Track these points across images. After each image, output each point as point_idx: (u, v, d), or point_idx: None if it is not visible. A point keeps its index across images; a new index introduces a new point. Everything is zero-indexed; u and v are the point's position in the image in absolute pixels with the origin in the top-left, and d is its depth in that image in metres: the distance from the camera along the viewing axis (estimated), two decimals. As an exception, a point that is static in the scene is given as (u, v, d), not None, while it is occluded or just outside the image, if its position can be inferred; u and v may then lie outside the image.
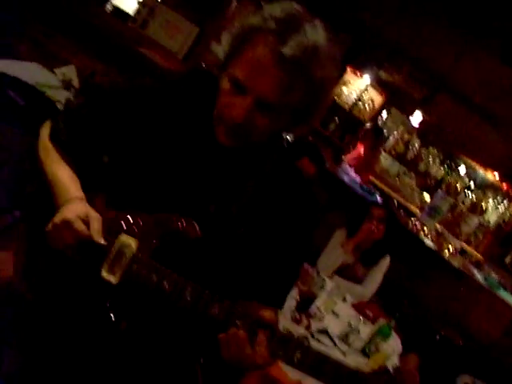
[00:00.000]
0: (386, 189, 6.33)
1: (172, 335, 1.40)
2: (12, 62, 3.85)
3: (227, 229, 1.32)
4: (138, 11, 4.34)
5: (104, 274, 1.26)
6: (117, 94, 1.41)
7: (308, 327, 2.58)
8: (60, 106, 3.44)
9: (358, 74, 6.24)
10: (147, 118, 1.35)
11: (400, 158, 6.56)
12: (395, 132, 6.49)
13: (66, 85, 3.96)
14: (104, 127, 1.38)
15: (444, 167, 6.63)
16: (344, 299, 3.28)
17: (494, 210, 6.41)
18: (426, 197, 6.33)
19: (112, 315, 1.29)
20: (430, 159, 6.70)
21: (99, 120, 1.39)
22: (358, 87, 6.31)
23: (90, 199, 1.36)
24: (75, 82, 4.00)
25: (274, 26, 1.17)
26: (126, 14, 4.43)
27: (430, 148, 6.69)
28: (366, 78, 6.21)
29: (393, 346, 3.00)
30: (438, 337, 4.20)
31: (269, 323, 1.18)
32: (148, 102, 1.36)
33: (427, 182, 6.75)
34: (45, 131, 1.46)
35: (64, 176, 1.39)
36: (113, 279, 1.25)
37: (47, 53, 4.34)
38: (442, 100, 5.82)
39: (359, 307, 3.27)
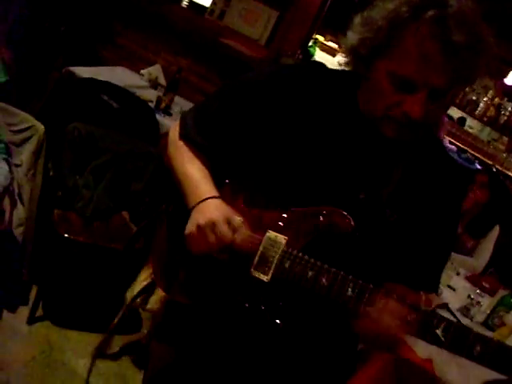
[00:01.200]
0: (480, 157, 6.06)
1: (328, 330, 1.36)
2: (100, 68, 3.98)
3: (378, 216, 1.26)
4: (214, 2, 4.32)
5: (255, 272, 1.24)
6: (250, 85, 1.35)
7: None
8: (151, 105, 3.51)
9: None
10: (286, 108, 1.29)
11: (491, 123, 6.25)
12: (485, 98, 6.19)
13: (153, 84, 4.05)
14: (241, 122, 1.34)
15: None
16: (458, 273, 3.17)
17: None
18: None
19: (268, 315, 1.25)
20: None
21: (235, 115, 1.34)
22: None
23: (230, 199, 1.33)
24: (162, 80, 4.08)
25: (429, 12, 1.08)
26: (203, 7, 4.43)
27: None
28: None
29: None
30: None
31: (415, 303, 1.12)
32: (286, 91, 1.30)
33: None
34: (174, 130, 1.44)
35: (197, 174, 1.36)
36: (264, 277, 1.23)
37: (131, 55, 4.43)
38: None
39: (475, 280, 3.16)
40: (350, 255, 1.26)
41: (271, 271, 1.22)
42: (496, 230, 3.57)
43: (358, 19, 1.19)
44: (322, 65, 1.38)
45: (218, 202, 1.30)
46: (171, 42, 4.33)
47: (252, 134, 1.32)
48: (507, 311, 2.70)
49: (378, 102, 1.19)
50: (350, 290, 1.14)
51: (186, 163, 1.38)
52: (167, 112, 3.58)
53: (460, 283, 3.02)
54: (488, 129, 6.46)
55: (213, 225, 1.23)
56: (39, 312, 2.75)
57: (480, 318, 2.70)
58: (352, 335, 1.40)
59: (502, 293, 2.84)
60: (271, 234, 1.24)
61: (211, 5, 4.38)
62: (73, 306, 2.91)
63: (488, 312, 2.73)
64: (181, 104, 3.77)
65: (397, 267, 1.30)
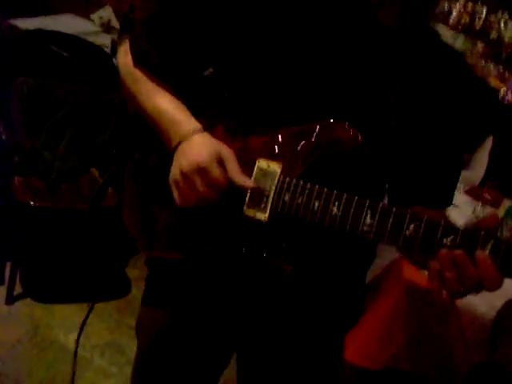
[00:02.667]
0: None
1: (338, 266, 1.16)
2: (45, 18, 3.67)
3: (385, 124, 1.04)
4: None
5: (249, 212, 1.01)
6: None
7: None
8: (107, 50, 3.24)
9: None
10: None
11: (466, 30, 6.04)
12: (457, 5, 5.95)
13: (106, 28, 3.77)
14: (202, 19, 1.08)
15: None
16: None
17: None
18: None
19: (271, 260, 1.04)
20: (502, 24, 6.14)
21: (195, 20, 1.09)
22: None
23: (209, 125, 1.09)
24: (115, 23, 3.78)
25: None
26: None
27: (500, 13, 6.12)
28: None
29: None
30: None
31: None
32: None
33: (502, 51, 6.21)
34: (124, 57, 1.16)
35: (169, 107, 1.10)
36: (262, 216, 1.00)
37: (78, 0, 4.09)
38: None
39: (475, 193, 3.00)
40: (358, 176, 1.06)
41: (268, 208, 0.99)
42: (489, 141, 3.41)
43: None
44: None
45: (202, 137, 1.05)
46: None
47: (220, 33, 1.07)
48: (517, 221, 2.56)
49: None
50: (368, 216, 0.92)
51: (152, 96, 1.12)
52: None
53: (461, 199, 2.86)
54: (462, 36, 6.21)
55: (202, 170, 1.00)
56: (18, 290, 2.56)
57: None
58: (361, 267, 1.25)
59: (506, 203, 2.72)
60: (262, 162, 1.01)
61: None
62: (52, 278, 2.69)
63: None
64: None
65: (410, 183, 1.12)
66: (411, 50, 1.05)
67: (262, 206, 1.00)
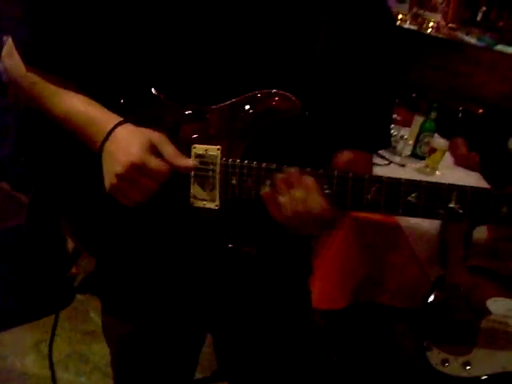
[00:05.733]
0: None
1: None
2: None
3: (318, 81, 1.00)
4: None
5: (197, 203, 0.96)
6: None
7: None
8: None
9: None
10: None
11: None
12: None
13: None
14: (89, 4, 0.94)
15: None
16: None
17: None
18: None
19: (234, 246, 0.99)
20: None
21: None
22: None
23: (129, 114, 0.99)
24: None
25: None
26: None
27: None
28: None
29: (441, 139, 2.82)
30: (460, 114, 4.05)
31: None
32: None
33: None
34: (10, 59, 1.01)
35: (81, 106, 0.98)
36: (212, 205, 0.95)
37: None
38: None
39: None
40: (302, 141, 1.02)
41: (217, 195, 0.94)
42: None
43: None
44: None
45: (125, 128, 0.96)
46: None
47: (118, 18, 0.96)
48: (431, 135, 2.66)
49: None
50: (326, 187, 0.89)
51: (58, 99, 0.99)
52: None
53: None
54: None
55: (138, 167, 0.92)
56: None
57: (408, 150, 2.65)
58: None
59: (418, 120, 2.80)
60: (198, 148, 0.95)
61: None
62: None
63: (412, 142, 2.68)
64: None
65: (347, 130, 1.07)
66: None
67: (211, 193, 0.95)
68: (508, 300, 1.68)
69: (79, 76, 1.00)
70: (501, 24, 6.54)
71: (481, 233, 1.96)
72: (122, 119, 0.97)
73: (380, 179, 0.86)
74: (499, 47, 5.16)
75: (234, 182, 0.93)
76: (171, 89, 0.98)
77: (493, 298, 1.69)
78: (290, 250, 1.16)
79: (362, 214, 1.94)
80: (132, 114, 0.99)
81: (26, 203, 2.30)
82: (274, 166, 0.91)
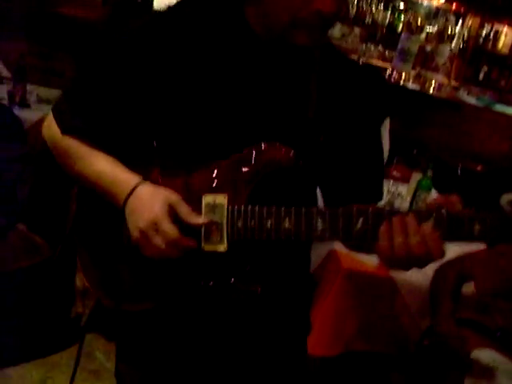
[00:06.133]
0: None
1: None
2: None
3: (311, 139, 1.14)
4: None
5: (208, 247, 1.08)
6: (126, 46, 1.14)
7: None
8: (4, 102, 3.17)
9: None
10: (172, 56, 1.11)
11: (341, 19, 6.35)
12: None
13: (-3, 78, 3.64)
14: (127, 87, 1.13)
15: (389, 11, 6.47)
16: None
17: (454, 33, 6.32)
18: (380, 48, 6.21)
19: (240, 286, 1.12)
20: (373, 8, 6.50)
21: (118, 83, 1.14)
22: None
23: (149, 176, 1.14)
24: (5, 73, 3.68)
25: None
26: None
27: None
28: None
29: (436, 195, 2.95)
30: (459, 171, 4.18)
31: None
32: (166, 38, 1.12)
33: (378, 33, 6.59)
34: (49, 130, 1.21)
35: (107, 168, 1.15)
36: (221, 247, 1.07)
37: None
38: None
39: (384, 172, 3.18)
40: (297, 186, 1.16)
41: (225, 238, 1.07)
42: (386, 121, 3.61)
43: None
44: None
45: (147, 188, 1.11)
46: (1, 28, 3.88)
47: (145, 96, 1.14)
48: (427, 192, 2.78)
49: (281, 10, 1.05)
50: (319, 222, 1.01)
51: (87, 161, 1.17)
52: (24, 104, 3.24)
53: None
54: (338, 25, 6.50)
55: (155, 225, 1.06)
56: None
57: (405, 206, 2.75)
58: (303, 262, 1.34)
59: (415, 177, 2.90)
60: (208, 197, 1.08)
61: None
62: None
63: (409, 199, 2.79)
64: (36, 91, 3.42)
65: (342, 186, 1.22)
66: (316, 66, 1.16)
67: (219, 238, 1.07)
68: (493, 351, 1.77)
69: (103, 141, 1.17)
70: (502, 83, 6.77)
71: (469, 288, 2.06)
72: (141, 178, 1.12)
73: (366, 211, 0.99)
74: (498, 107, 5.34)
75: (239, 225, 1.06)
76: (182, 150, 1.14)
77: (478, 349, 1.77)
78: (292, 292, 1.27)
79: (356, 267, 2.06)
80: (145, 170, 1.15)
81: (41, 244, 2.43)
82: (273, 208, 1.04)
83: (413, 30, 5.85)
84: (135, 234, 1.08)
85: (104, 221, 1.21)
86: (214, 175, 1.10)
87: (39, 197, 2.54)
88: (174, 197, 1.08)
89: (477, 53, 6.59)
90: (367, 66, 1.31)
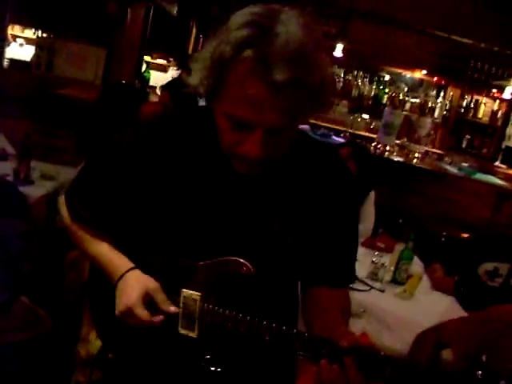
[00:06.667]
0: (331, 126, 6.44)
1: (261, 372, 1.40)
2: None
3: (277, 248, 1.29)
4: (38, 55, 4.18)
5: (182, 330, 1.27)
6: (114, 155, 1.33)
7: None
8: (9, 178, 3.33)
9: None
10: (154, 169, 1.29)
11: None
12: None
13: (1, 156, 3.82)
14: (119, 190, 1.33)
15: (374, 84, 6.81)
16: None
17: (437, 104, 6.64)
18: (365, 117, 6.52)
19: (206, 364, 1.30)
20: (359, 82, 6.85)
21: (112, 184, 1.33)
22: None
23: (142, 258, 1.35)
24: (10, 149, 3.87)
25: (247, 51, 1.04)
26: (26, 63, 4.28)
27: (355, 72, 6.84)
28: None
29: (419, 265, 3.10)
30: (443, 239, 4.31)
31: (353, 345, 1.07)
32: (155, 151, 1.29)
33: (364, 104, 6.92)
34: (63, 208, 1.43)
35: (104, 252, 1.37)
36: (192, 334, 1.26)
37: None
38: (354, 25, 5.97)
39: (369, 243, 3.34)
40: (262, 296, 1.32)
41: (196, 327, 1.25)
42: (372, 194, 3.77)
43: (195, 57, 1.15)
44: (179, 115, 1.39)
45: (132, 275, 1.31)
46: (6, 107, 4.12)
47: (133, 199, 1.33)
48: (409, 263, 2.92)
49: (223, 142, 1.18)
50: (266, 335, 1.15)
51: (90, 244, 1.39)
52: (28, 181, 3.40)
53: (359, 252, 3.16)
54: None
55: (130, 310, 1.26)
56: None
57: (388, 276, 2.88)
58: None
59: (398, 247, 3.04)
60: (186, 292, 1.26)
61: (34, 57, 4.23)
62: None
63: (393, 269, 2.92)
64: (39, 168, 3.60)
65: (312, 275, 1.35)
66: (288, 180, 1.29)
67: (192, 326, 1.25)
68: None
69: (104, 229, 1.39)
70: (484, 150, 7.05)
71: (449, 355, 2.19)
72: (132, 265, 1.33)
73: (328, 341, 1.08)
74: (478, 176, 5.57)
75: (208, 319, 1.23)
76: (173, 247, 1.32)
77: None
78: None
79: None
80: (142, 260, 1.35)
81: (44, 316, 2.55)
82: (233, 314, 1.19)
83: (396, 104, 6.18)
84: (117, 312, 1.30)
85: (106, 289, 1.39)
86: (192, 275, 1.28)
87: (40, 270, 2.68)
88: (152, 285, 1.28)
89: (459, 122, 6.93)
90: (336, 160, 1.39)
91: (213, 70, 1.10)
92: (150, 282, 1.29)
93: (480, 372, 0.98)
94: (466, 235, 4.50)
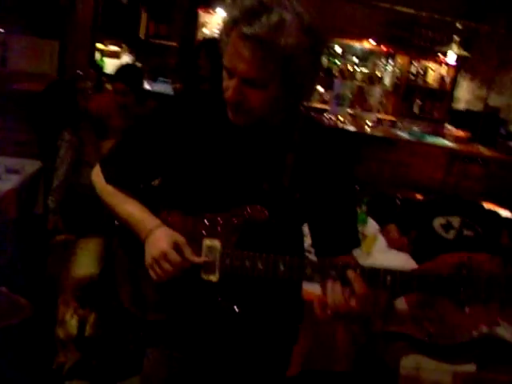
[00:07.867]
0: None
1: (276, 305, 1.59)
2: None
3: (286, 199, 1.48)
4: (-9, 52, 4.20)
5: (204, 276, 1.44)
6: (145, 124, 1.58)
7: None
8: None
9: (211, 11, 6.43)
10: (181, 133, 1.50)
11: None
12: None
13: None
14: (147, 156, 1.54)
15: (325, 56, 6.94)
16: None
17: (385, 73, 6.81)
18: (320, 89, 6.66)
19: (225, 305, 1.48)
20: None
21: (140, 150, 1.54)
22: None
23: (165, 218, 1.53)
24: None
25: (244, 15, 1.30)
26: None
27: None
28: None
29: (373, 226, 3.30)
30: (398, 201, 4.51)
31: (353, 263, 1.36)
32: (176, 119, 1.53)
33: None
34: (97, 177, 1.60)
35: (135, 211, 1.54)
36: (213, 278, 1.44)
37: None
38: None
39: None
40: (275, 239, 1.49)
41: (217, 271, 1.44)
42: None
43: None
44: (194, 92, 1.66)
45: (161, 229, 1.48)
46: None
47: (161, 160, 1.55)
48: (363, 225, 3.12)
49: (223, 91, 1.40)
50: (281, 266, 1.37)
51: (122, 204, 1.56)
52: (-8, 177, 3.47)
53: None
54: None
55: (164, 255, 1.42)
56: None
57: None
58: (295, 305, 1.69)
59: (354, 212, 3.22)
60: (207, 241, 1.45)
61: (-13, 55, 4.26)
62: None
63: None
64: (3, 162, 3.65)
65: (323, 234, 1.53)
66: (293, 145, 1.48)
67: (213, 270, 1.44)
68: (418, 355, 2.09)
69: (135, 190, 1.58)
70: (435, 115, 7.29)
71: (401, 304, 2.40)
72: (160, 222, 1.50)
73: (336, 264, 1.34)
74: (428, 139, 5.78)
75: (227, 262, 1.43)
76: (194, 202, 1.52)
77: (405, 356, 2.09)
78: (274, 315, 1.60)
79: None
80: (167, 212, 1.55)
81: (24, 304, 2.67)
82: (251, 253, 1.40)
83: (345, 75, 6.33)
84: (149, 260, 1.46)
85: (136, 251, 1.56)
86: (212, 224, 1.48)
87: (18, 260, 2.80)
88: (180, 239, 1.46)
89: (409, 88, 7.15)
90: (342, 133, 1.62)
91: (224, 31, 1.36)
92: (178, 236, 1.46)
93: (465, 271, 1.24)
94: (420, 197, 4.74)
